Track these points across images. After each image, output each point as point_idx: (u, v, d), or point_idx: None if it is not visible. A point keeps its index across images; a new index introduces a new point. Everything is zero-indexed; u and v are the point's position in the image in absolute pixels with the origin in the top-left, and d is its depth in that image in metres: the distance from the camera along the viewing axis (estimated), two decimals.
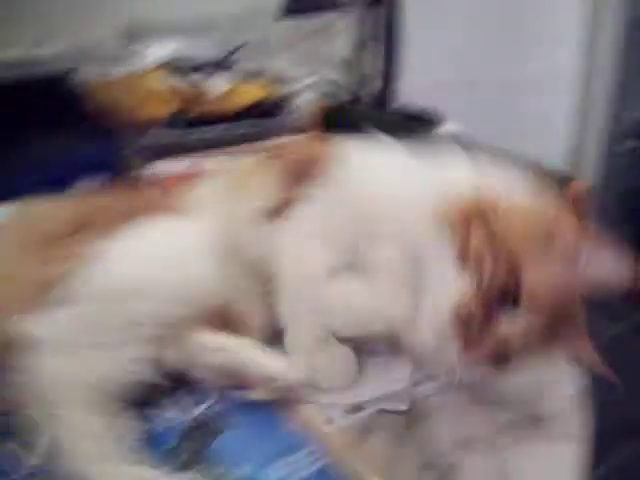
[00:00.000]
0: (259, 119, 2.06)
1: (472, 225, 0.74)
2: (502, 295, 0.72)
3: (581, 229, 1.11)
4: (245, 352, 0.81)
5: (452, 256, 0.74)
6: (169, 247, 0.83)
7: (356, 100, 2.35)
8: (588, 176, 3.27)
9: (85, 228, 0.82)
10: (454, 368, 0.74)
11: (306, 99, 2.14)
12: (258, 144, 1.99)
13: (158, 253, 0.82)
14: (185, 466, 0.72)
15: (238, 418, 0.78)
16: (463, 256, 0.74)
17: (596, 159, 3.32)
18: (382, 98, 2.48)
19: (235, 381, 0.80)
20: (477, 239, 0.73)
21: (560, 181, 1.22)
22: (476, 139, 1.50)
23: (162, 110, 1.97)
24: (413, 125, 1.82)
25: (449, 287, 0.74)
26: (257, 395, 0.79)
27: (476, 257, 0.73)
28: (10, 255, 0.80)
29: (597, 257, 0.73)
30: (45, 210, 0.89)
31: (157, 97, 1.96)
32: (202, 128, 1.99)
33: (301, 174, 0.86)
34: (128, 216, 0.83)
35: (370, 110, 2.17)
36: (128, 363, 0.75)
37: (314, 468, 0.72)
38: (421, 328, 0.76)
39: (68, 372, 0.73)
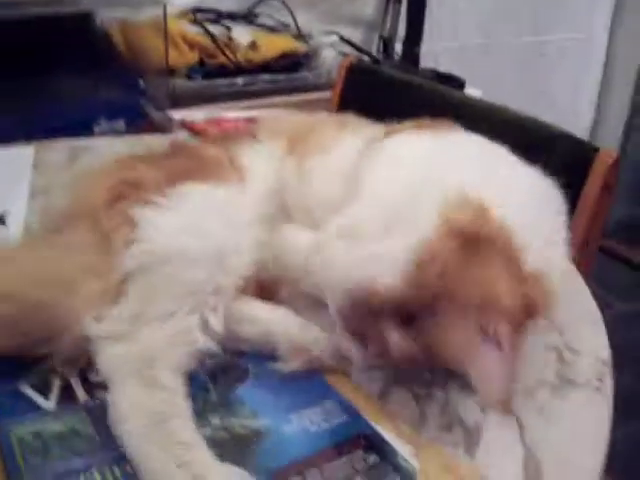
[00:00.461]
0: (282, 73, 2.04)
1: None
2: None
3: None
4: (280, 323, 0.81)
5: None
6: (218, 213, 0.83)
7: (377, 61, 2.32)
8: (611, 147, 3.25)
9: (131, 194, 0.82)
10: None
11: (329, 56, 2.12)
12: (281, 97, 1.98)
13: (208, 219, 0.81)
14: (215, 407, 0.73)
15: (261, 368, 0.79)
16: None
17: (620, 130, 3.29)
18: (405, 60, 2.46)
19: (269, 352, 0.79)
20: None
21: (586, 151, 1.20)
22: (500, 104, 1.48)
23: (185, 58, 1.95)
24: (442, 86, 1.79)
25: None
26: (290, 367, 0.78)
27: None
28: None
29: None
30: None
31: (181, 45, 1.95)
32: (224, 79, 1.97)
33: None
34: (175, 180, 0.83)
35: (398, 70, 2.14)
36: (185, 333, 0.75)
37: (334, 422, 0.72)
38: None
39: (128, 350, 0.73)
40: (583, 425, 0.76)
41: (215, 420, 0.71)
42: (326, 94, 1.83)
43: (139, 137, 1.54)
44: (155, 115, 1.77)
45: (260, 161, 0.94)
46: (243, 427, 0.71)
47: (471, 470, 0.68)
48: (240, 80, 1.93)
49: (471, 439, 0.73)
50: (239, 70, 1.99)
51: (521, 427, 0.75)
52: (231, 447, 0.68)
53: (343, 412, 0.73)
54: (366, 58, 2.28)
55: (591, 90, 3.22)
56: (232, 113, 1.68)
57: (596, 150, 1.20)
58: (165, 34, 1.73)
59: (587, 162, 1.19)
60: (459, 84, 2.18)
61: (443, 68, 2.35)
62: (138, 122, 1.76)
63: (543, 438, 0.73)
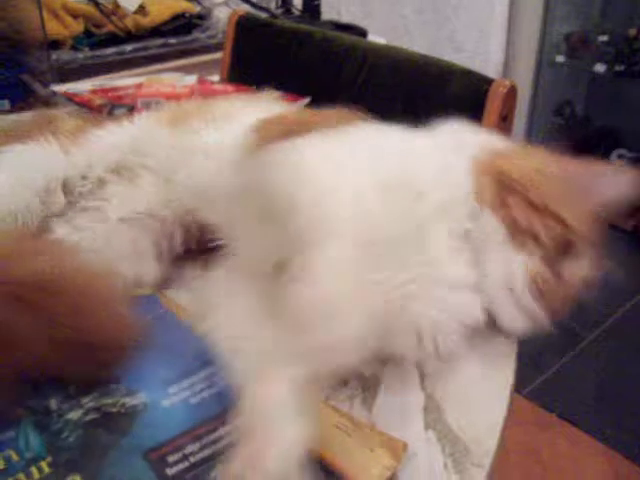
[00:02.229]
0: (174, 36, 1.96)
1: (507, 198, 0.72)
2: (562, 248, 0.72)
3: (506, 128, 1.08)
4: None
5: (502, 235, 0.72)
6: None
7: (275, 16, 2.25)
8: (520, 87, 3.25)
9: None
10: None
11: (223, 15, 2.04)
12: (175, 62, 1.90)
13: None
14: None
15: None
16: (514, 231, 0.71)
17: (528, 73, 3.29)
18: (305, 14, 2.40)
19: None
20: (519, 211, 0.71)
21: (480, 83, 1.17)
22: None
23: (69, 29, 1.85)
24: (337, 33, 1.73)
25: (514, 266, 0.72)
26: None
27: (528, 228, 0.71)
28: None
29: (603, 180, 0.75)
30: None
31: (63, 15, 1.84)
32: (113, 47, 1.88)
33: None
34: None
35: (297, 22, 2.08)
36: None
37: (217, 389, 0.67)
38: (500, 306, 0.73)
39: None
40: (485, 368, 0.74)
41: (88, 402, 0.65)
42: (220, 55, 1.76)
43: (20, 115, 1.45)
44: (41, 91, 1.68)
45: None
46: (118, 406, 0.65)
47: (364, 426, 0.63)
48: (129, 47, 1.84)
49: (368, 391, 0.68)
50: (130, 37, 1.90)
51: (422, 375, 0.71)
52: (103, 428, 0.62)
53: (226, 377, 0.67)
54: (264, 15, 2.21)
55: (498, 29, 3.19)
56: (119, 81, 1.59)
57: (490, 81, 1.16)
58: (39, 5, 1.63)
59: (483, 94, 1.15)
60: (360, 33, 2.12)
61: (346, 19, 2.30)
62: (23, 100, 1.67)
63: (444, 383, 0.70)
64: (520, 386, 2.16)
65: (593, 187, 0.74)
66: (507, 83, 1.14)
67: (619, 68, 3.25)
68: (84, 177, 0.89)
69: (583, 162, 0.76)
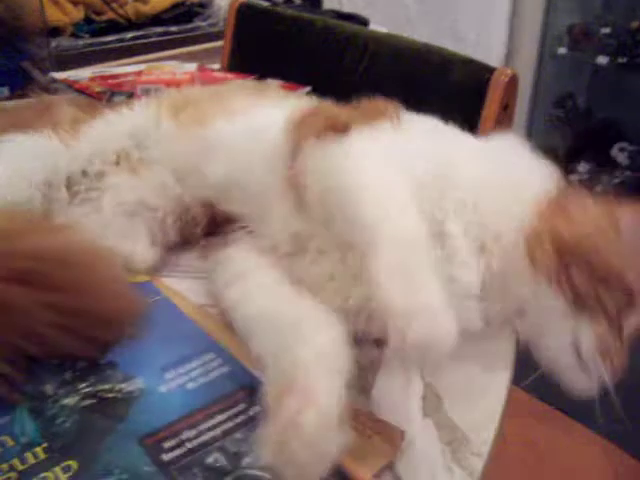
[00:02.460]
0: (175, 24, 1.94)
1: (570, 269, 0.70)
2: (625, 308, 0.71)
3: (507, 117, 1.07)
4: None
5: (563, 305, 0.70)
6: None
7: (276, 4, 2.23)
8: (522, 79, 3.24)
9: None
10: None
11: (224, 3, 2.02)
12: (175, 50, 1.89)
13: None
14: (85, 375, 0.66)
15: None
16: (579, 302, 0.70)
17: (529, 65, 3.28)
18: (307, 3, 2.38)
19: None
20: (584, 282, 0.69)
21: (482, 72, 1.16)
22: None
23: (69, 16, 1.84)
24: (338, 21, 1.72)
25: (580, 335, 0.70)
26: None
27: (594, 300, 0.69)
28: None
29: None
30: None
31: (63, 2, 1.83)
32: (114, 35, 1.87)
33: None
34: None
35: (298, 10, 2.06)
36: None
37: (213, 376, 0.67)
38: (566, 371, 0.72)
39: None
40: (485, 360, 0.74)
41: (85, 388, 0.65)
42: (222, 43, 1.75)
43: (18, 102, 1.44)
44: (40, 78, 1.67)
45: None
46: (115, 392, 0.64)
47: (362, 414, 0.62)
48: (129, 35, 1.83)
49: (366, 379, 0.68)
50: (131, 25, 1.89)
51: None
52: (99, 413, 0.62)
53: (224, 364, 0.68)
54: (265, 3, 2.19)
55: (501, 20, 3.17)
56: (119, 68, 1.58)
57: (492, 70, 1.15)
58: None
59: (484, 83, 1.15)
60: (362, 22, 2.11)
61: (347, 9, 2.29)
62: (23, 87, 1.66)
63: (443, 373, 0.70)
64: (518, 378, 2.16)
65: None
66: (509, 72, 1.13)
67: (621, 60, 3.23)
68: (84, 172, 0.88)
69: (628, 206, 0.74)
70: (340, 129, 0.74)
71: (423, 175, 0.71)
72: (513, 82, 1.14)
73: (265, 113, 0.86)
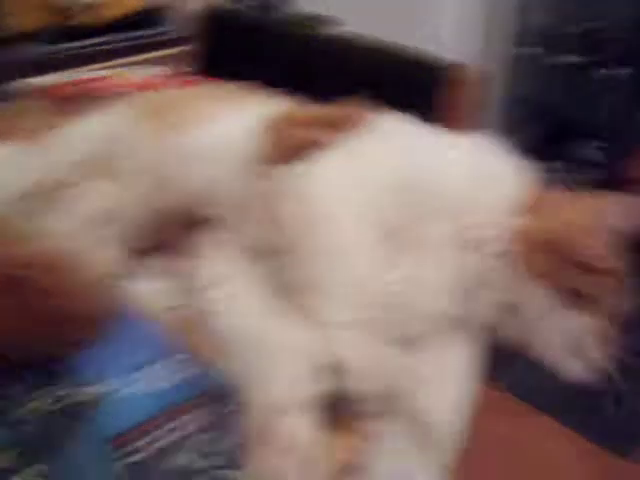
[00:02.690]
0: (139, 29, 1.93)
1: (558, 262, 0.72)
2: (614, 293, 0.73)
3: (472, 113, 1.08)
4: None
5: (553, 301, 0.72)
6: None
7: (247, 8, 2.23)
8: (493, 78, 3.25)
9: None
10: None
11: (192, 7, 2.01)
12: (140, 55, 1.87)
13: None
14: (53, 379, 0.65)
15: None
16: (572, 297, 0.72)
17: (501, 64, 3.30)
18: (273, 5, 2.38)
19: None
20: (573, 278, 0.72)
21: (451, 70, 1.17)
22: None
23: (33, 22, 1.82)
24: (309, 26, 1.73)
25: (577, 327, 0.73)
26: None
27: (581, 289, 0.72)
28: None
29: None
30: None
31: (27, 8, 1.81)
32: (80, 41, 1.85)
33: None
34: None
35: (263, 15, 2.07)
36: None
37: (184, 376, 0.66)
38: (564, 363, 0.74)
39: None
40: (452, 358, 0.74)
41: (52, 392, 0.64)
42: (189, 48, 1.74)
43: None
44: (5, 85, 1.65)
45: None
46: (82, 395, 0.64)
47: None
48: (92, 41, 1.82)
49: None
50: (94, 31, 1.87)
51: None
52: (66, 417, 0.62)
53: (191, 366, 0.67)
54: (236, 8, 2.19)
55: (472, 21, 3.19)
56: (86, 74, 1.57)
57: (455, 67, 1.16)
58: None
59: (448, 80, 1.16)
60: (331, 24, 2.11)
61: (317, 11, 2.28)
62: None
63: (410, 366, 0.69)
64: (496, 377, 2.17)
65: (616, 222, 0.75)
66: (473, 67, 1.14)
67: (590, 59, 3.26)
68: (57, 180, 0.87)
69: (597, 196, 0.77)
70: (309, 147, 0.75)
71: (398, 187, 0.74)
72: (476, 79, 1.15)
73: (238, 118, 0.86)
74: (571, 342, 0.73)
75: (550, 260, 0.72)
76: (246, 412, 0.58)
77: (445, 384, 0.70)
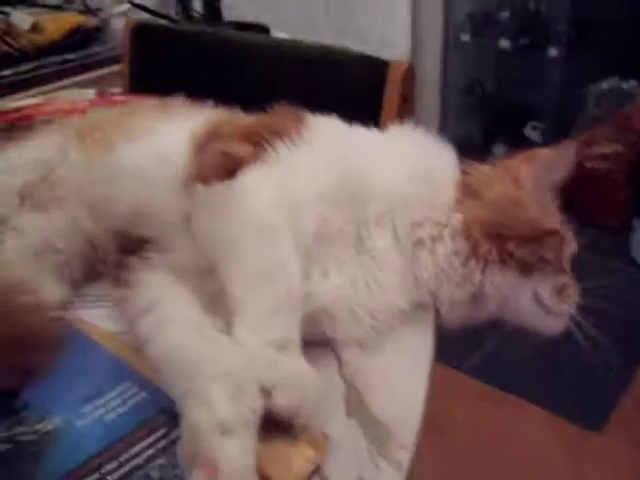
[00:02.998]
0: (71, 52, 1.91)
1: (503, 243, 0.74)
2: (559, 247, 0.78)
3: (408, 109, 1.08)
4: None
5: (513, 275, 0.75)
6: None
7: (176, 22, 2.22)
8: (429, 70, 3.28)
9: None
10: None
11: (121, 26, 1.99)
12: (75, 78, 1.85)
13: None
14: None
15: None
16: (522, 267, 0.75)
17: (435, 56, 3.32)
18: (207, 17, 2.38)
19: None
20: (520, 252, 0.75)
21: (378, 66, 1.17)
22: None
23: None
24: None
25: (537, 291, 0.76)
26: None
27: (532, 258, 0.75)
28: None
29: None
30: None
31: None
32: (10, 69, 1.82)
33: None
34: None
35: (198, 24, 2.05)
36: None
37: (132, 403, 0.65)
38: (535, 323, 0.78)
39: None
40: (404, 354, 0.74)
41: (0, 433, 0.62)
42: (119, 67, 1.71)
43: None
44: None
45: None
46: (31, 434, 0.62)
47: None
48: (25, 67, 1.79)
49: None
50: (26, 57, 1.84)
51: (339, 361, 0.70)
52: (17, 459, 0.60)
53: (141, 391, 0.66)
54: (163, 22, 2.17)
55: (403, 14, 3.20)
56: (16, 102, 1.53)
57: (387, 63, 1.16)
58: None
59: (381, 76, 1.15)
60: (263, 30, 2.11)
61: (248, 19, 2.28)
62: None
63: (363, 369, 0.69)
64: (460, 362, 2.18)
65: (549, 177, 0.79)
66: (403, 63, 1.14)
67: (523, 42, 3.31)
68: None
69: (528, 155, 0.80)
70: (234, 166, 0.74)
71: (335, 198, 0.74)
72: (409, 73, 1.15)
73: (168, 134, 0.84)
74: (538, 305, 0.76)
75: (494, 244, 0.74)
76: (181, 435, 0.57)
77: (399, 381, 0.69)
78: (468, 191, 0.77)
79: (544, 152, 0.80)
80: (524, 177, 0.77)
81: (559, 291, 0.76)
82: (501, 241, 0.74)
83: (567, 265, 0.79)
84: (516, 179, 0.77)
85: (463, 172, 0.80)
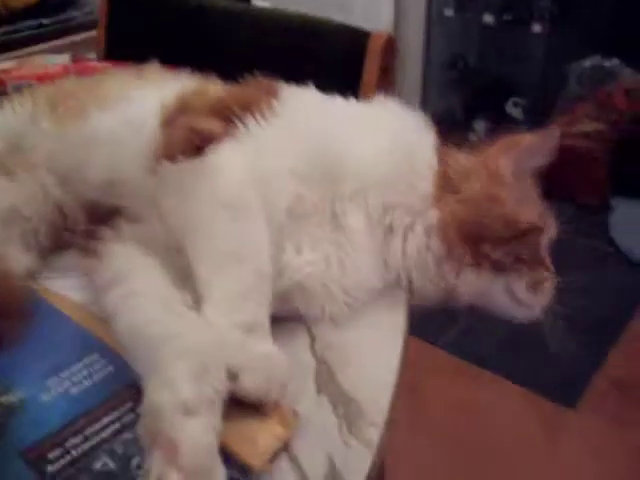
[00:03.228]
0: (47, 17, 1.86)
1: (478, 243, 0.73)
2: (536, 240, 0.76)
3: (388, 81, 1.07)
4: None
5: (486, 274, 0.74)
6: None
7: None
8: (412, 44, 3.25)
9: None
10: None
11: None
12: (50, 43, 1.81)
13: None
14: None
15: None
16: (496, 266, 0.74)
17: (418, 29, 3.29)
18: None
19: None
20: (495, 253, 0.73)
21: (359, 37, 1.15)
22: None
23: None
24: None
25: (511, 287, 0.75)
26: None
27: (506, 257, 0.74)
28: None
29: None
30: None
31: None
32: None
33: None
34: None
35: None
36: None
37: (98, 377, 0.64)
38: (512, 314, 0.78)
39: None
40: (375, 331, 0.73)
41: None
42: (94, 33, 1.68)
43: None
44: None
45: None
46: None
47: None
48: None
49: None
50: (0, 20, 1.80)
51: (311, 337, 0.69)
52: None
53: (108, 363, 0.65)
54: None
55: None
56: None
57: (368, 35, 1.14)
58: None
59: (361, 47, 1.14)
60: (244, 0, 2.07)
61: None
62: None
63: (334, 346, 0.69)
64: (435, 338, 2.19)
65: (530, 163, 0.78)
66: (384, 34, 1.12)
67: (507, 18, 3.29)
68: None
69: (509, 142, 0.78)
70: (202, 142, 0.72)
71: (308, 173, 0.72)
72: (390, 45, 1.13)
73: (141, 101, 0.82)
74: (511, 298, 0.75)
75: (470, 246, 0.73)
76: (143, 413, 0.55)
77: (371, 358, 0.68)
78: (446, 184, 0.75)
79: (525, 139, 0.78)
80: (503, 168, 0.76)
81: (534, 286, 0.75)
82: (477, 243, 0.73)
83: (545, 253, 0.78)
84: (495, 172, 0.75)
85: (442, 161, 0.77)
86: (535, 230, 0.75)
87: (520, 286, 0.75)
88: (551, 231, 0.78)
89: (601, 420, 1.98)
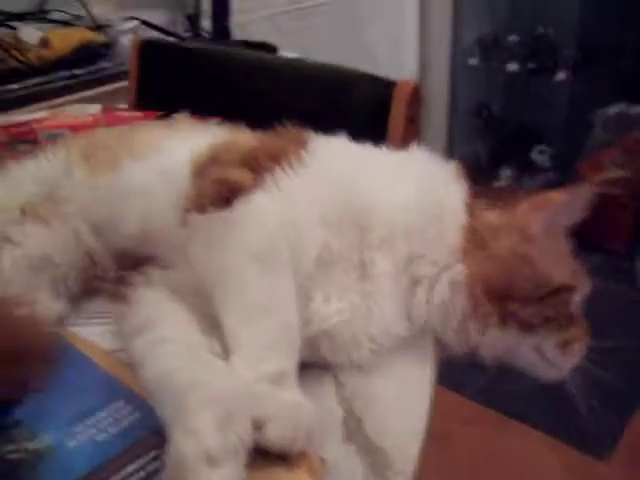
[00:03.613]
0: (80, 68, 1.90)
1: (506, 304, 0.72)
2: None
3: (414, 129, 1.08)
4: None
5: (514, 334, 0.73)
6: None
7: (184, 40, 2.22)
8: (437, 93, 3.28)
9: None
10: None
11: (126, 44, 1.99)
12: (82, 93, 1.85)
13: None
14: None
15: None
16: (524, 326, 0.73)
17: (443, 78, 3.32)
18: (215, 36, 2.37)
19: None
20: (521, 310, 0.72)
21: (385, 86, 1.16)
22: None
23: None
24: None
25: (539, 347, 0.75)
26: None
27: (536, 318, 0.73)
28: None
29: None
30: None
31: None
32: (18, 82, 1.82)
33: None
34: None
35: (205, 43, 2.05)
36: None
37: (124, 424, 0.63)
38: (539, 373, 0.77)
39: None
40: (403, 379, 0.72)
41: None
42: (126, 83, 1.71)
43: None
44: None
45: None
46: (21, 452, 0.61)
47: None
48: (33, 81, 1.78)
49: None
50: (34, 71, 1.84)
51: (338, 384, 0.68)
52: (6, 477, 0.58)
53: (135, 410, 0.65)
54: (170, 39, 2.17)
55: (411, 37, 3.21)
56: (20, 116, 1.53)
57: (394, 84, 1.15)
58: None
59: (388, 97, 1.15)
60: (271, 50, 2.11)
61: (257, 39, 2.28)
62: None
63: (362, 393, 0.68)
64: (464, 386, 2.16)
65: (562, 221, 0.77)
66: (410, 83, 1.13)
67: (531, 66, 3.31)
68: None
69: (540, 201, 0.76)
70: (232, 193, 0.73)
71: (337, 221, 0.73)
72: (416, 94, 1.14)
73: (173, 151, 0.83)
74: (540, 357, 0.74)
75: (497, 305, 0.72)
76: (168, 462, 0.55)
77: (398, 406, 0.68)
78: (474, 238, 0.74)
79: (557, 196, 0.76)
80: (534, 227, 0.74)
81: (563, 345, 0.74)
82: (505, 302, 0.72)
83: (577, 311, 0.76)
84: (525, 230, 0.74)
85: (471, 214, 0.76)
86: (566, 289, 0.74)
87: (549, 345, 0.73)
88: (584, 289, 0.77)
89: (632, 474, 1.94)
